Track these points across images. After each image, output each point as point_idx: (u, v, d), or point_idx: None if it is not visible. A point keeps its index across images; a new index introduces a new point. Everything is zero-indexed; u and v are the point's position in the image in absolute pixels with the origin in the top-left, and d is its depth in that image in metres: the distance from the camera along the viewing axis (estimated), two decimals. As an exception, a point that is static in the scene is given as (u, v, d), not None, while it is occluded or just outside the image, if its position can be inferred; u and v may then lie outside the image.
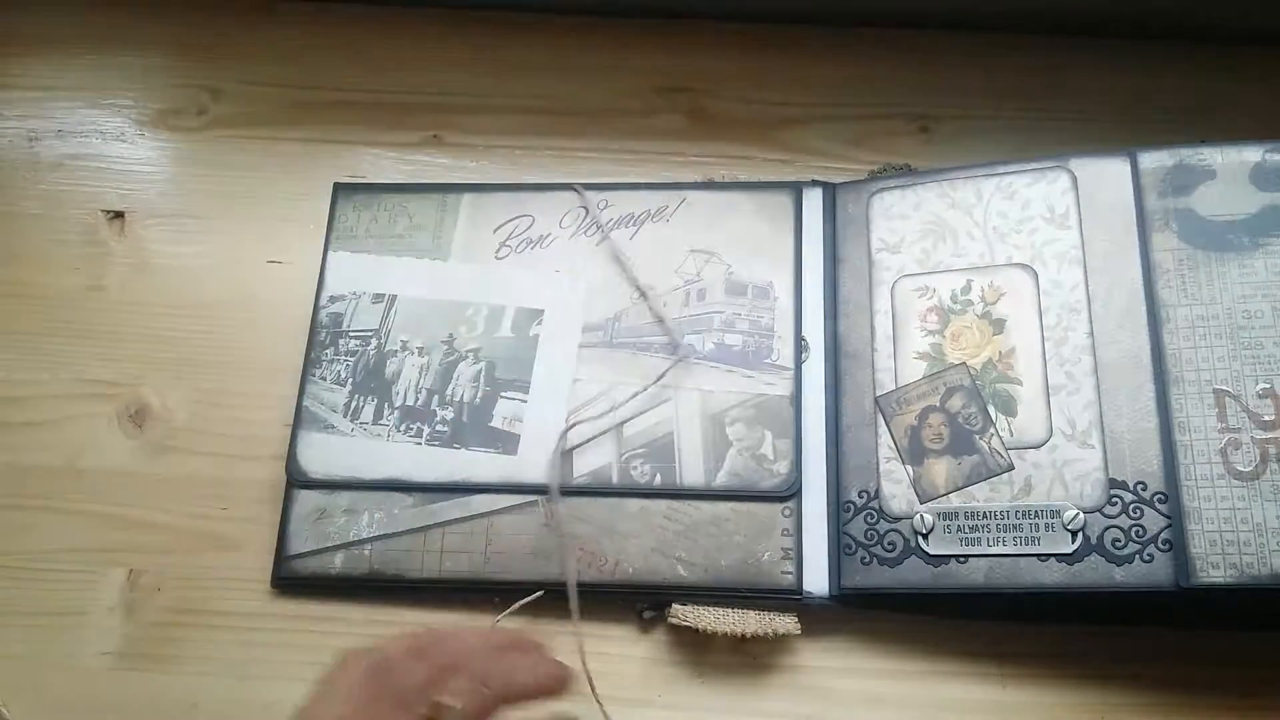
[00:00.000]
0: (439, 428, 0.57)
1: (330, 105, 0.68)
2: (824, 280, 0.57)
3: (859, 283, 0.57)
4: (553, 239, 0.60)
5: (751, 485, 0.54)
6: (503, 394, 0.57)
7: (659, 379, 0.56)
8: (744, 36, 0.68)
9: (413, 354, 0.58)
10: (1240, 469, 0.48)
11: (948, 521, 0.51)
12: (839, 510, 0.53)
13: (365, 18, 0.70)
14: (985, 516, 0.51)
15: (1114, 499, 0.49)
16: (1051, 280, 0.53)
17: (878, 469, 0.53)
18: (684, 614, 0.52)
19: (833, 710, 0.52)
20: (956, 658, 0.53)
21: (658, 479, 0.54)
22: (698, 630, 0.52)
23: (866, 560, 0.52)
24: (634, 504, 0.54)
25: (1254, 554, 0.46)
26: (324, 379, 0.58)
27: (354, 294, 0.60)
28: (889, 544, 0.52)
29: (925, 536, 0.51)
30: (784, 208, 0.59)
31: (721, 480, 0.54)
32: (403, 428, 0.57)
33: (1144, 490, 0.49)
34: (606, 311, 0.58)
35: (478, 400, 0.57)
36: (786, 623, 0.52)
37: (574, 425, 0.55)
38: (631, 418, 0.55)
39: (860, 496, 0.53)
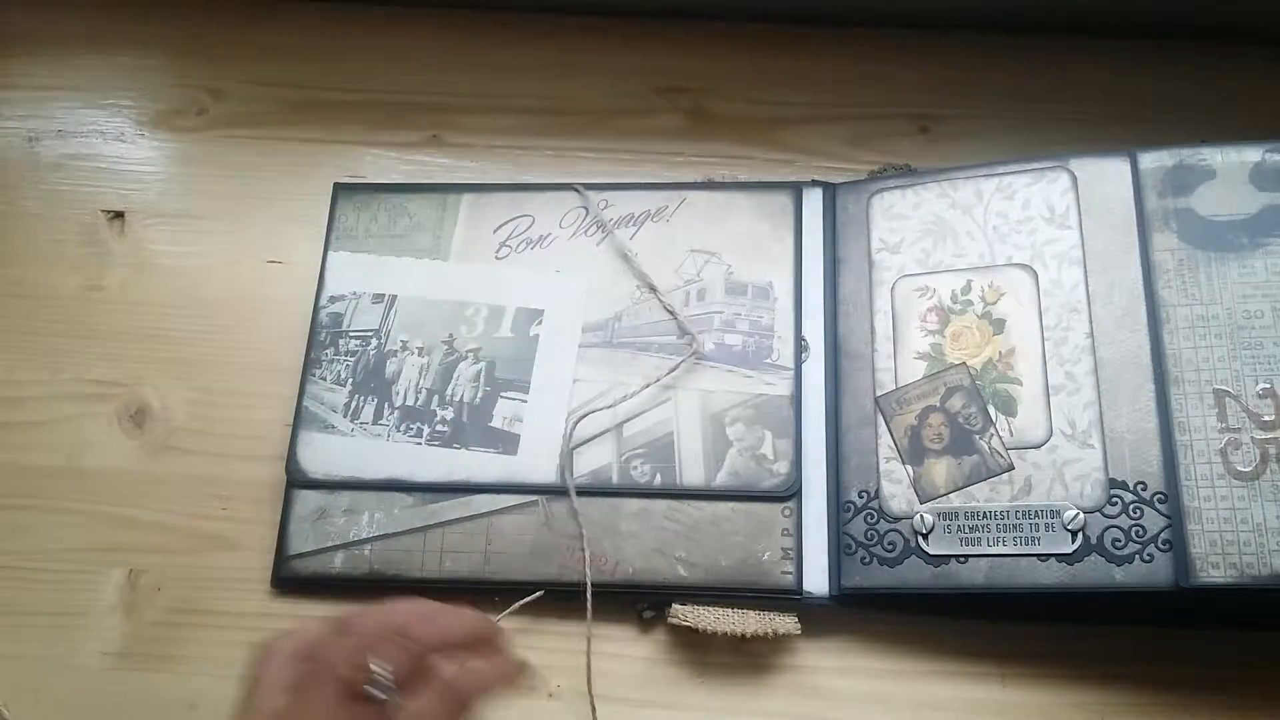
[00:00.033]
0: (439, 428, 0.57)
1: (330, 105, 0.68)
2: (824, 280, 0.57)
3: (859, 283, 0.57)
4: (553, 239, 0.60)
5: (751, 485, 0.54)
6: (503, 394, 0.57)
7: (672, 370, 0.56)
8: (744, 36, 0.68)
9: (413, 354, 0.58)
10: (1240, 469, 0.48)
11: (948, 521, 0.51)
12: (839, 510, 0.53)
13: (365, 18, 0.70)
14: (985, 516, 0.51)
15: (1114, 499, 0.49)
16: (1051, 280, 0.53)
17: (878, 469, 0.53)
18: (684, 614, 0.52)
19: (832, 710, 0.52)
20: (956, 658, 0.53)
21: (658, 479, 0.54)
22: (698, 630, 0.52)
23: (866, 560, 0.52)
24: (634, 504, 0.54)
25: (1254, 554, 0.46)
26: (324, 379, 0.58)
27: (354, 294, 0.60)
28: (889, 544, 0.52)
29: (925, 536, 0.51)
30: (784, 208, 0.59)
31: (721, 480, 0.54)
32: (403, 428, 0.57)
33: (1144, 490, 0.49)
34: (606, 311, 0.58)
35: (478, 400, 0.57)
36: (786, 623, 0.52)
37: (584, 416, 0.55)
38: (640, 413, 0.55)
39: (860, 496, 0.53)
